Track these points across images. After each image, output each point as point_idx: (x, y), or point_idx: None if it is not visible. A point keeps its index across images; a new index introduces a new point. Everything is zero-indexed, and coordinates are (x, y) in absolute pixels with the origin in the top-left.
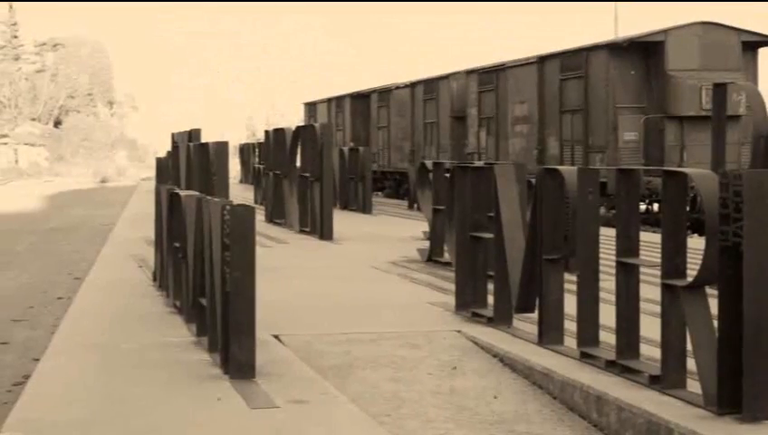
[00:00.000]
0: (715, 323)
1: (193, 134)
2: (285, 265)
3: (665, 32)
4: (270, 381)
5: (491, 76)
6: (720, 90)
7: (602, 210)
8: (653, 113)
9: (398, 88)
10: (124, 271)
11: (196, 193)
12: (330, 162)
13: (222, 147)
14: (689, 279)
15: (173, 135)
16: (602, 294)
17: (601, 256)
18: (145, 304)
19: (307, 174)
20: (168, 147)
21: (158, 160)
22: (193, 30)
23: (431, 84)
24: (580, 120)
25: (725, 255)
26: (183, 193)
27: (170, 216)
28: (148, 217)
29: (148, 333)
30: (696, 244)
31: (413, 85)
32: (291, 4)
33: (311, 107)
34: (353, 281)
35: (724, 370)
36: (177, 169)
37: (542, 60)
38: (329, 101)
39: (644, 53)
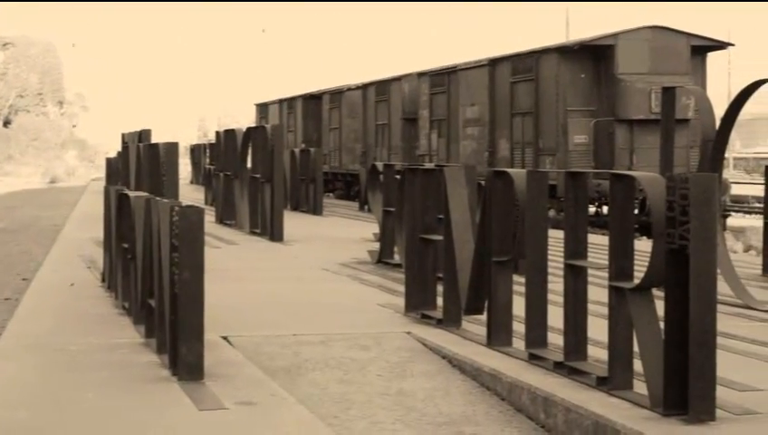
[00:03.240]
0: (662, 324)
1: (143, 134)
2: (235, 267)
3: (615, 36)
4: (219, 383)
5: (442, 78)
6: (669, 93)
7: (552, 213)
8: (603, 116)
9: (349, 89)
10: (73, 272)
11: (145, 194)
12: (280, 163)
13: (172, 147)
14: (636, 281)
15: (123, 135)
16: (551, 296)
17: (550, 258)
18: (93, 305)
19: (258, 175)
20: (119, 147)
21: (109, 161)
22: (144, 30)
23: (383, 86)
24: (530, 122)
25: (672, 257)
26: (132, 194)
27: (119, 216)
28: (98, 218)
29: (97, 335)
30: (645, 246)
31: (365, 87)
32: (242, 6)
33: (262, 108)
34: (303, 282)
35: (670, 371)
36: (127, 170)
37: (494, 62)
38: (280, 102)
39: (594, 56)
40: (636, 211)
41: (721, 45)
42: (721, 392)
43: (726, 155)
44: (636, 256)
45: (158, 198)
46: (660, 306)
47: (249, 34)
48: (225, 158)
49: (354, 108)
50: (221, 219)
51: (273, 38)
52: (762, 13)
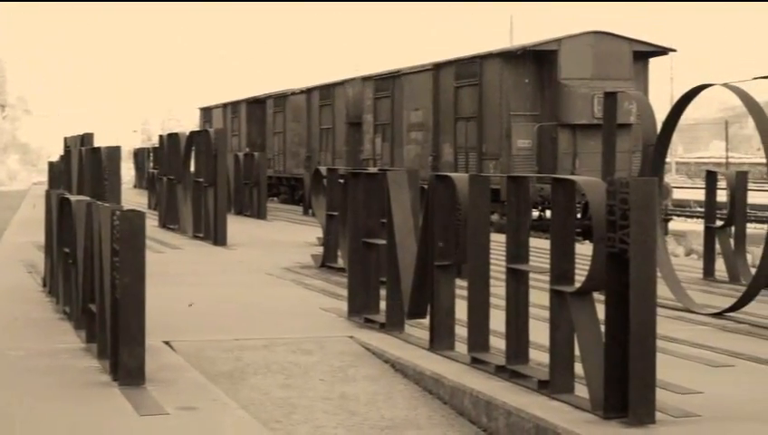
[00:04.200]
0: (603, 328)
1: (85, 138)
2: (178, 271)
3: (558, 41)
4: (160, 388)
5: (387, 83)
6: (610, 98)
7: (495, 217)
8: (546, 121)
9: (293, 94)
10: (13, 276)
11: (87, 198)
12: (224, 167)
13: (114, 151)
14: (577, 285)
15: (66, 139)
16: (493, 300)
17: (493, 262)
18: (34, 310)
19: (201, 179)
20: (62, 151)
21: (51, 165)
22: (86, 33)
23: (327, 90)
24: (474, 127)
25: (612, 261)
26: (73, 198)
27: (61, 221)
28: (39, 223)
29: (37, 340)
30: (588, 250)
31: (309, 91)
32: (187, 8)
33: (206, 112)
34: (246, 287)
35: (610, 374)
36: (69, 174)
37: (438, 67)
38: (224, 106)
39: (537, 61)
40: (579, 215)
41: (663, 51)
42: (661, 395)
43: (668, 160)
44: (578, 260)
45: (99, 203)
46: (601, 310)
47: (193, 37)
48: (168, 162)
49: (298, 112)
50: (164, 224)
51: (218, 41)
52: (703, 19)
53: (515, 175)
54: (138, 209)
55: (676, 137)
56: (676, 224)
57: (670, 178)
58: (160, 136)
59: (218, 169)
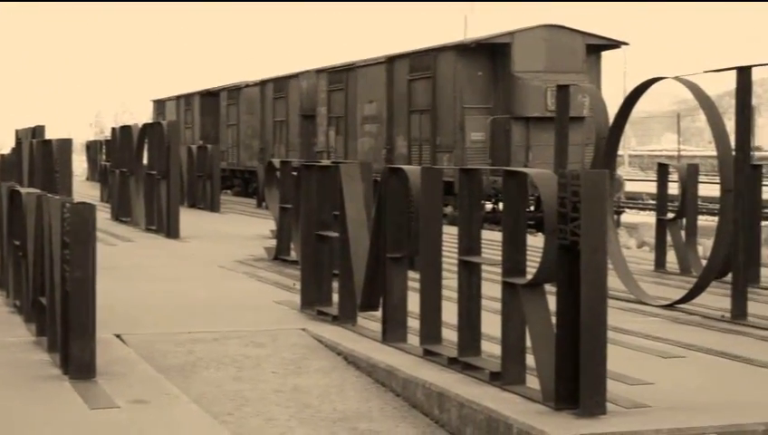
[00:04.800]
0: (554, 320)
1: (37, 131)
2: (129, 264)
3: (511, 34)
4: (111, 382)
5: (340, 75)
6: (563, 91)
7: (449, 209)
8: (500, 114)
9: (247, 86)
10: None
11: (37, 190)
12: (176, 160)
13: (65, 144)
14: (529, 277)
15: (17, 131)
16: (446, 292)
17: (446, 254)
18: None
19: (154, 172)
20: (13, 143)
21: (2, 157)
22: (39, 25)
23: (281, 83)
24: (428, 120)
25: (563, 253)
26: (23, 190)
27: (11, 213)
28: None
29: None
30: (540, 242)
31: (263, 83)
32: (141, 1)
33: (159, 104)
34: (198, 280)
35: (561, 366)
36: (21, 166)
37: (391, 60)
38: (178, 98)
39: (491, 54)
40: (531, 208)
41: (616, 44)
42: (612, 386)
43: (621, 152)
44: (530, 252)
45: (49, 195)
46: (553, 302)
47: (146, 30)
48: (120, 154)
49: (252, 104)
50: (117, 216)
51: (171, 34)
52: (655, 14)
53: (468, 167)
54: (88, 202)
55: (628, 130)
56: (628, 216)
57: (623, 170)
58: (113, 128)
59: (171, 162)
